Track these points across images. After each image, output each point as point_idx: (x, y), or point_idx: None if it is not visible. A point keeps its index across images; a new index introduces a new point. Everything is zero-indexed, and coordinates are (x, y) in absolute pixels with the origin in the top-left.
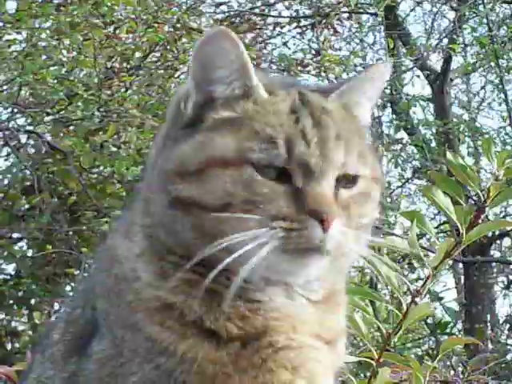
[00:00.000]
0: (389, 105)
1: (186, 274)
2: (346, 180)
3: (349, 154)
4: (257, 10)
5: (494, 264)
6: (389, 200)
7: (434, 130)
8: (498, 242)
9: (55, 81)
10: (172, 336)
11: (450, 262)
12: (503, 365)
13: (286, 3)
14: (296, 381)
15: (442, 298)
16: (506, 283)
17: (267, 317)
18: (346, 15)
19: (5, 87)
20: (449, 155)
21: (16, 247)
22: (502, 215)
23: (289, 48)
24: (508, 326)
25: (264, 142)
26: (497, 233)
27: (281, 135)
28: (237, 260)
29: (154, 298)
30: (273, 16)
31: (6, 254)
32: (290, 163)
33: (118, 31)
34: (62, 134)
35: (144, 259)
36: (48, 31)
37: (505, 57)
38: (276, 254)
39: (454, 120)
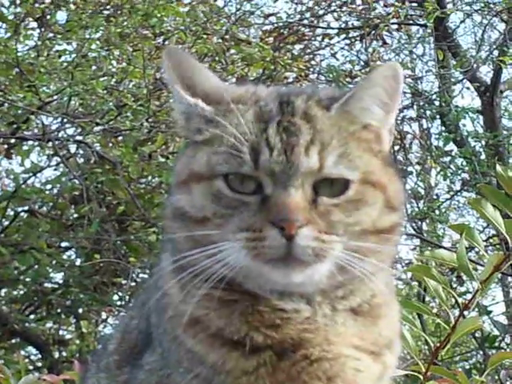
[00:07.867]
0: (438, 117)
1: (203, 289)
2: (331, 186)
3: (326, 158)
4: (305, 21)
5: None
6: (437, 212)
7: (484, 143)
8: None
9: (105, 91)
10: (203, 348)
11: (499, 275)
12: None
13: (335, 14)
14: None
15: (490, 312)
16: None
17: (300, 328)
18: (395, 26)
19: (55, 97)
20: (498, 168)
21: (64, 256)
22: None
23: (337, 59)
24: None
25: (229, 153)
26: None
27: (246, 144)
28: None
29: (185, 312)
30: (322, 27)
31: (54, 262)
32: (257, 171)
33: (167, 42)
34: (110, 144)
35: (173, 275)
36: (98, 42)
37: None
38: (254, 265)
39: (504, 132)
